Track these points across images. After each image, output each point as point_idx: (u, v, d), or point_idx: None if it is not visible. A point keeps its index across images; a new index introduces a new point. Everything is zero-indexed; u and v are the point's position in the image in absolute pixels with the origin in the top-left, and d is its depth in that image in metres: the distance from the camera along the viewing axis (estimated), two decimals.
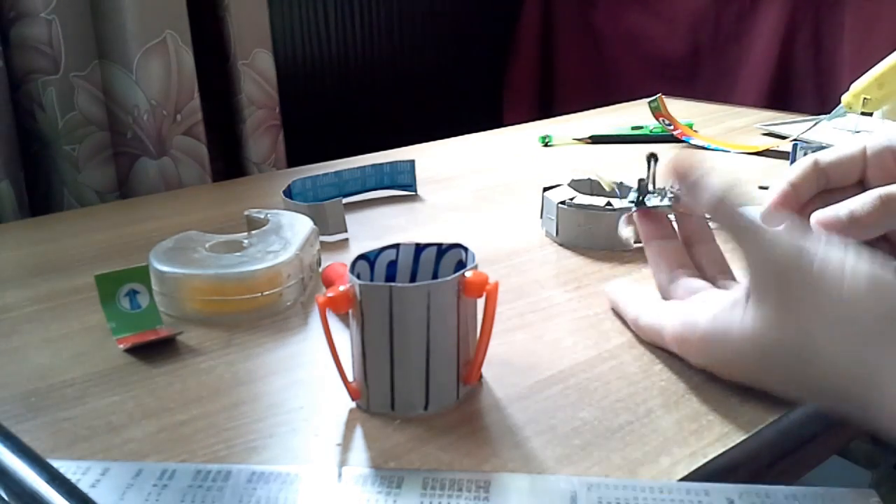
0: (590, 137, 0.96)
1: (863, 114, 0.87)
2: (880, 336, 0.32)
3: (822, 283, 0.34)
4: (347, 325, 0.40)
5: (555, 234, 0.62)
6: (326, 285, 0.53)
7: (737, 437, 0.37)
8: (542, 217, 0.65)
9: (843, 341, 0.33)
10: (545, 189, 0.64)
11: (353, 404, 0.40)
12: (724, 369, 0.40)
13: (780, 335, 0.35)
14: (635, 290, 0.49)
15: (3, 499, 0.30)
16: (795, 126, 0.94)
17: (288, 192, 0.69)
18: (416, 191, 0.77)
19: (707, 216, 0.46)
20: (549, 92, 1.53)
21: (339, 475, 0.35)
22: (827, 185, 0.42)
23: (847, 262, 0.34)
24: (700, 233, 0.49)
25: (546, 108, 1.49)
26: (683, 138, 0.93)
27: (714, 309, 0.39)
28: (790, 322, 0.35)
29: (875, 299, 0.33)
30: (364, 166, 0.75)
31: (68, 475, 0.32)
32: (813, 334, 0.34)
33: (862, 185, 0.42)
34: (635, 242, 0.45)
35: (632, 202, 0.50)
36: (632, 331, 0.47)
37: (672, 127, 0.93)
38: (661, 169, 0.44)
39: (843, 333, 0.33)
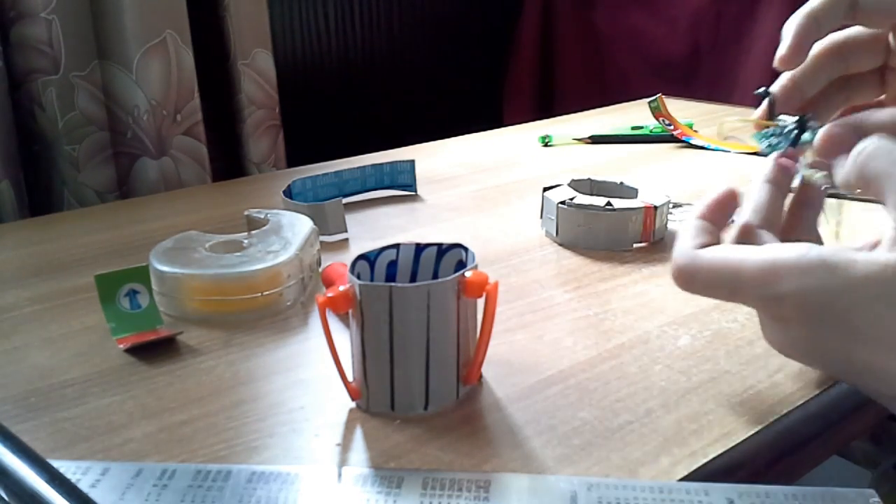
0: (590, 137, 0.96)
1: None
2: None
3: None
4: (347, 325, 0.40)
5: (555, 234, 0.62)
6: (326, 285, 0.53)
7: (737, 437, 0.37)
8: (542, 217, 0.65)
9: None
10: (545, 189, 0.64)
11: (353, 404, 0.40)
12: (808, 313, 0.34)
13: None
14: (701, 225, 0.39)
15: (3, 499, 0.30)
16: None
17: (288, 192, 0.69)
18: (416, 191, 0.77)
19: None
20: (549, 92, 1.53)
21: (339, 475, 0.35)
22: (854, 19, 0.40)
23: None
24: (814, 198, 0.42)
25: (546, 108, 1.49)
26: (683, 138, 0.93)
27: (832, 247, 0.35)
28: None
29: None
30: (364, 166, 0.75)
31: (68, 475, 0.32)
32: None
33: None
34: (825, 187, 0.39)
35: (788, 139, 0.42)
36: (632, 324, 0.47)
37: (672, 127, 0.93)
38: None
39: None
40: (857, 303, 0.33)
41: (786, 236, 0.40)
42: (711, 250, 0.37)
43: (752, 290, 0.35)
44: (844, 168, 0.37)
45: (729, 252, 0.36)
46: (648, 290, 0.53)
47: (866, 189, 0.36)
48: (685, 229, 0.39)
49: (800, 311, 0.34)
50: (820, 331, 0.34)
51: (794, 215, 0.42)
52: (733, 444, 0.37)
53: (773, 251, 0.35)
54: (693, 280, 0.37)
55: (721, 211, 0.40)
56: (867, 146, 0.36)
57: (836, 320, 0.34)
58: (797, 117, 0.41)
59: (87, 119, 0.83)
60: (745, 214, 0.39)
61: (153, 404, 0.41)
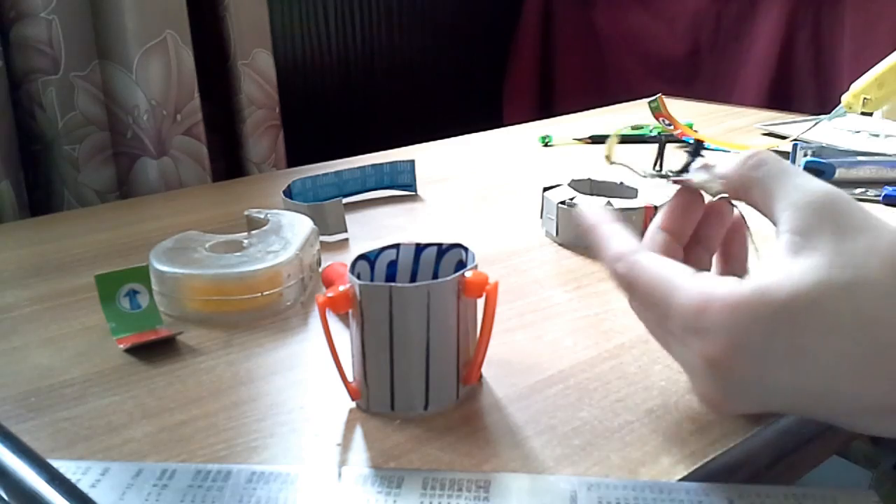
0: (590, 137, 0.96)
1: (863, 114, 0.87)
2: None
3: (873, 220, 0.33)
4: (347, 325, 0.40)
5: (555, 234, 0.62)
6: (326, 285, 0.53)
7: (737, 437, 0.37)
8: (542, 217, 0.65)
9: (891, 276, 0.31)
10: (545, 189, 0.64)
11: (353, 404, 0.40)
12: (747, 349, 0.33)
13: (834, 276, 0.32)
14: (621, 226, 0.40)
15: (3, 499, 0.30)
16: (795, 126, 0.94)
17: (288, 192, 0.69)
18: (416, 191, 0.77)
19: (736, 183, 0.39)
20: (549, 92, 1.53)
21: (339, 475, 0.35)
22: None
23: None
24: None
25: (546, 108, 1.49)
26: (683, 138, 0.93)
27: (746, 278, 0.34)
28: (845, 259, 0.32)
29: None
30: (364, 166, 0.75)
31: (68, 475, 0.32)
32: (867, 272, 0.32)
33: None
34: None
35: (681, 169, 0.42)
36: (628, 321, 0.47)
37: (672, 127, 0.93)
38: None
39: (890, 270, 0.32)
40: (795, 328, 0.32)
41: (721, 259, 0.42)
42: (649, 260, 0.37)
43: (680, 320, 0.35)
44: (729, 173, 0.38)
45: (664, 268, 0.36)
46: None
47: (746, 195, 0.38)
48: (610, 231, 0.39)
49: (736, 348, 0.33)
50: (765, 369, 0.33)
51: (727, 240, 0.43)
52: (733, 444, 0.37)
53: (705, 284, 0.34)
54: (633, 290, 0.37)
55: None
56: (755, 155, 0.37)
57: (779, 351, 0.33)
58: (693, 143, 0.42)
59: (87, 119, 0.83)
60: (658, 221, 0.41)
61: (153, 404, 0.41)
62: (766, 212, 0.37)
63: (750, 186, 0.37)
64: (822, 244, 0.33)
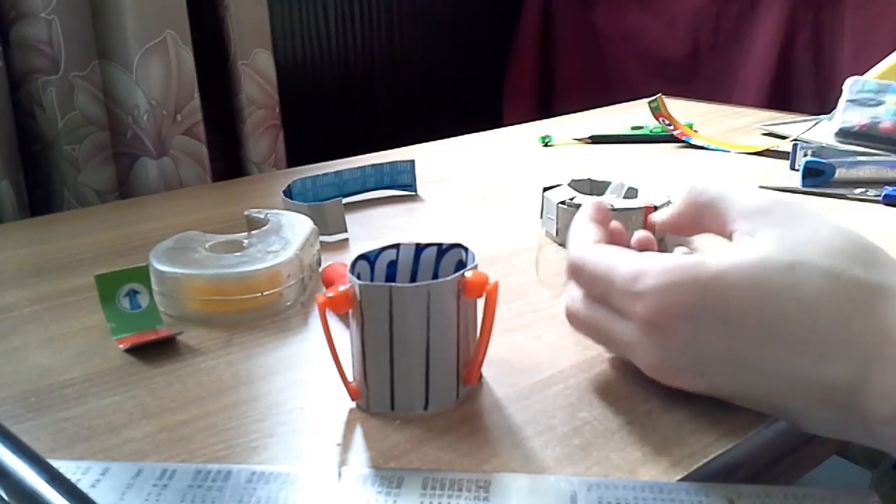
0: (590, 137, 0.96)
1: None
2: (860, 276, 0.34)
3: (815, 215, 0.37)
4: (347, 325, 0.40)
5: (555, 234, 0.62)
6: (326, 285, 0.53)
7: (737, 437, 0.37)
8: (542, 217, 0.65)
9: (830, 260, 0.34)
10: (545, 189, 0.64)
11: (353, 404, 0.40)
12: (680, 308, 0.35)
13: (777, 256, 0.34)
14: (593, 227, 0.43)
15: (3, 499, 0.30)
16: (795, 126, 0.94)
17: (288, 192, 0.69)
18: (416, 191, 0.77)
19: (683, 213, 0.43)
20: (549, 92, 1.53)
21: (339, 475, 0.35)
22: None
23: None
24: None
25: (546, 108, 1.49)
26: (683, 138, 0.93)
27: (692, 254, 0.37)
28: (788, 244, 0.35)
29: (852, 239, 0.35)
30: (364, 166, 0.75)
31: (68, 475, 0.32)
32: (807, 255, 0.34)
33: None
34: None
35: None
36: None
37: (672, 127, 0.93)
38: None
39: (829, 255, 0.34)
40: (730, 293, 0.34)
41: None
42: (598, 247, 0.40)
43: (620, 287, 0.37)
44: (674, 212, 0.43)
45: (610, 251, 0.39)
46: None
47: (698, 223, 0.42)
48: (579, 229, 0.42)
49: (670, 307, 0.35)
50: (698, 331, 0.35)
51: None
52: (733, 444, 0.37)
53: (645, 257, 0.37)
54: (580, 273, 0.40)
55: (604, 212, 0.44)
56: (692, 188, 0.41)
57: (712, 314, 0.35)
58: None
59: (87, 119, 0.83)
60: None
61: (153, 404, 0.41)
62: (720, 230, 0.40)
63: (700, 214, 0.41)
64: (766, 234, 0.36)
